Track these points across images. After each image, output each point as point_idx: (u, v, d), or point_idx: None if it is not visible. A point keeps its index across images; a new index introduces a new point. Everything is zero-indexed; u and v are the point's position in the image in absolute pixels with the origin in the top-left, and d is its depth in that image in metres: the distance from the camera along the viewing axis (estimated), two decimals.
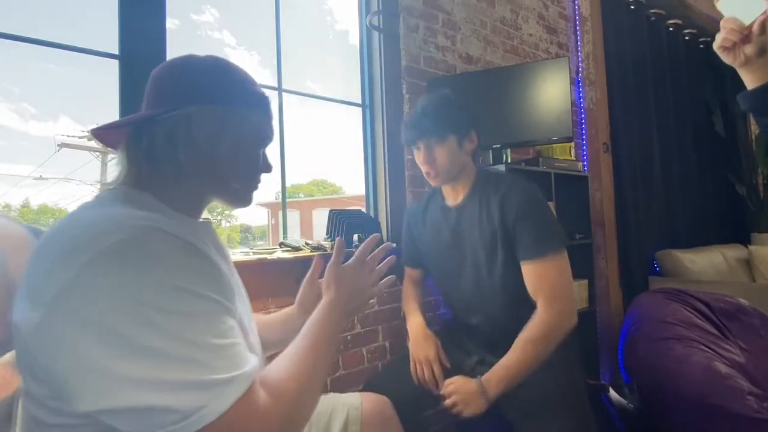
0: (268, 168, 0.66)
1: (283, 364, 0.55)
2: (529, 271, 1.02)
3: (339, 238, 0.76)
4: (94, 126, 0.58)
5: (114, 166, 0.58)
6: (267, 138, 0.65)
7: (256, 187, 0.65)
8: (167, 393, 0.41)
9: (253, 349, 0.61)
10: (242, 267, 1.24)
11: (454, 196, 1.15)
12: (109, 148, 0.62)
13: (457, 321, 1.24)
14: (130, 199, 0.53)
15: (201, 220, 0.63)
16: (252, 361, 0.48)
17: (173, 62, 0.61)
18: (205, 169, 0.58)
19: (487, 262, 1.08)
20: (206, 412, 0.42)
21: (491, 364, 1.02)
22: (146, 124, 0.56)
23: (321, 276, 0.76)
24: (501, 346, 1.02)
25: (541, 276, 1.00)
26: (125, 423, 0.42)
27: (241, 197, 0.64)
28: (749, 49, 0.71)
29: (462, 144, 1.07)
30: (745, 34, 0.70)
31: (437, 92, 1.11)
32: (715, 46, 0.74)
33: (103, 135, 0.60)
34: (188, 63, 0.60)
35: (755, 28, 0.69)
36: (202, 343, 0.44)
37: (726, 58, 0.74)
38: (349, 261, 0.73)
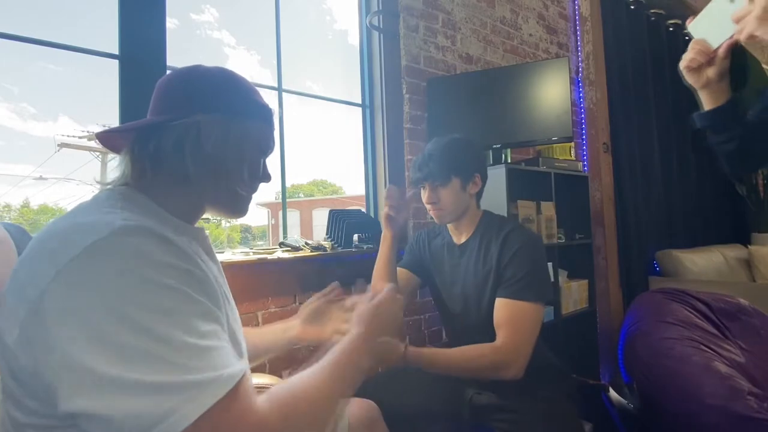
0: (267, 177, 0.68)
1: (296, 381, 0.52)
2: (502, 306, 1.02)
3: (392, 287, 0.77)
4: (96, 126, 0.59)
5: (115, 168, 0.58)
6: (269, 148, 0.66)
7: (251, 197, 0.67)
8: (137, 395, 0.39)
9: (242, 357, 0.60)
10: (242, 267, 1.24)
11: (458, 235, 1.19)
12: (111, 151, 0.62)
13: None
14: (126, 201, 0.53)
15: (196, 226, 0.64)
16: (238, 365, 0.45)
17: (181, 71, 0.62)
18: (209, 177, 0.59)
19: (476, 298, 1.11)
20: (178, 417, 0.39)
21: (487, 400, 1.08)
22: (154, 130, 0.57)
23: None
24: (492, 382, 1.05)
25: (512, 315, 1.01)
26: (95, 427, 0.40)
27: (240, 206, 0.65)
28: (711, 72, 0.75)
29: (465, 187, 1.11)
30: (710, 57, 0.73)
31: (446, 136, 1.15)
32: (681, 65, 0.77)
33: (107, 138, 0.60)
34: (196, 72, 0.61)
35: (721, 51, 0.72)
36: (178, 342, 0.42)
37: (689, 78, 0.78)
38: (381, 298, 0.73)
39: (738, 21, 0.65)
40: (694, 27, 0.74)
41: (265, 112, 0.64)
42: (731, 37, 0.69)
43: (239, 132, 0.60)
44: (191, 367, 0.41)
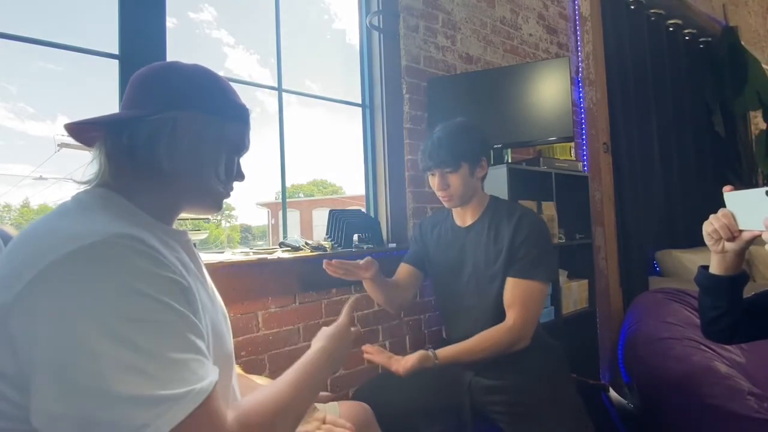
0: (241, 177, 0.68)
1: (261, 395, 0.54)
2: (515, 285, 1.08)
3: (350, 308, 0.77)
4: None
5: (90, 163, 0.57)
6: (244, 148, 0.66)
7: (228, 195, 0.66)
8: (112, 407, 0.40)
9: (227, 355, 0.61)
10: (242, 267, 1.24)
11: (463, 218, 1.22)
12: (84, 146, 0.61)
13: (452, 339, 1.26)
14: (106, 204, 0.53)
15: (175, 228, 0.63)
16: (211, 376, 0.46)
17: (157, 66, 0.61)
18: (183, 173, 0.58)
19: (485, 280, 1.14)
20: (150, 431, 0.40)
21: (487, 384, 1.11)
22: (127, 124, 0.56)
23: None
24: (492, 364, 1.08)
25: (523, 293, 1.07)
26: None
27: (215, 202, 0.65)
28: (730, 246, 0.76)
29: (474, 171, 1.14)
30: (734, 235, 0.74)
31: (453, 121, 1.17)
32: (704, 229, 0.78)
33: (78, 131, 0.59)
34: (173, 68, 0.61)
35: (746, 235, 0.72)
36: (156, 354, 0.42)
37: (707, 241, 0.79)
38: (342, 320, 0.75)
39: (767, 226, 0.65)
40: (729, 198, 0.74)
41: (241, 112, 0.64)
42: (759, 232, 0.69)
43: (214, 130, 0.60)
44: (166, 380, 0.42)
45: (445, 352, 1.04)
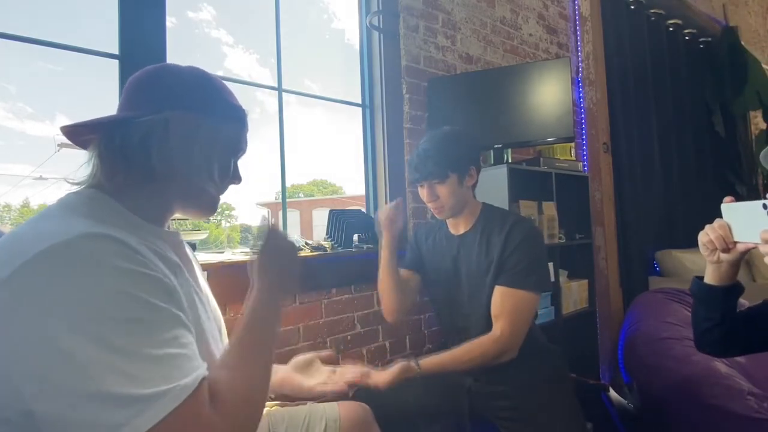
0: (237, 179, 0.67)
1: (226, 372, 0.52)
2: (504, 294, 1.06)
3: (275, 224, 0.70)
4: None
5: (84, 165, 0.57)
6: (240, 149, 0.66)
7: (219, 198, 0.66)
8: (86, 406, 0.39)
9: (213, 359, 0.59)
10: (242, 267, 1.24)
11: (456, 227, 1.21)
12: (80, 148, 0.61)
13: (449, 346, 1.26)
14: (93, 206, 0.53)
15: (168, 229, 0.63)
16: (198, 371, 0.45)
17: (152, 68, 0.61)
18: (175, 174, 0.58)
19: (477, 290, 1.13)
20: (128, 430, 0.39)
21: (486, 388, 1.10)
22: (121, 126, 0.56)
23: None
24: (491, 370, 1.07)
25: (512, 303, 1.05)
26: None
27: (208, 204, 0.64)
28: (725, 257, 0.76)
29: (462, 181, 1.13)
30: (729, 247, 0.74)
31: (439, 130, 1.16)
32: (699, 239, 0.79)
33: (73, 133, 0.59)
34: (166, 70, 0.61)
35: (740, 247, 0.73)
36: (132, 351, 0.42)
37: (702, 251, 0.79)
38: (266, 243, 0.66)
39: (765, 240, 0.65)
40: (727, 209, 0.74)
41: (237, 113, 0.63)
42: (753, 244, 0.69)
43: (207, 130, 0.59)
44: (145, 378, 0.41)
45: (429, 361, 1.02)
